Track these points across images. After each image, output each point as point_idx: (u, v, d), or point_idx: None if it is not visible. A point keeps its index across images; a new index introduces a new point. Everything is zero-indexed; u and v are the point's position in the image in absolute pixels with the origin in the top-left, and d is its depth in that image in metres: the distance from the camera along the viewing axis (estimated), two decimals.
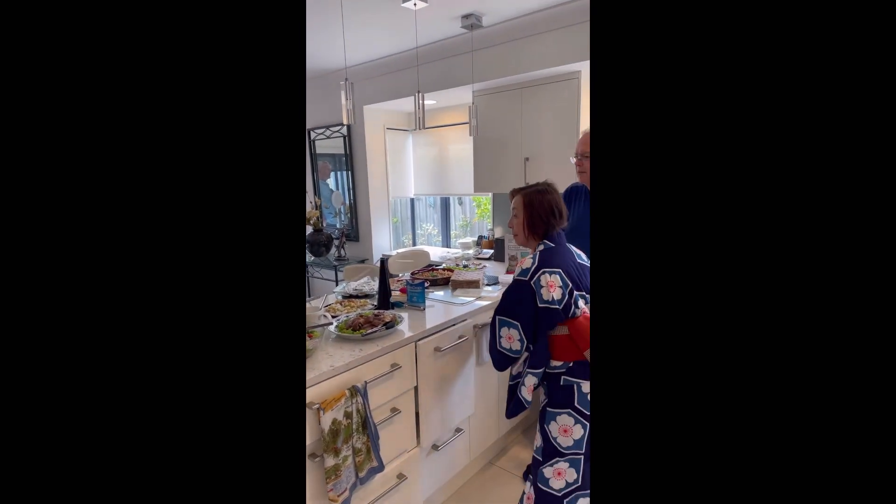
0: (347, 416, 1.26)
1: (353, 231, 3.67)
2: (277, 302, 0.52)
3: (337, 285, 3.10)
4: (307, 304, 1.78)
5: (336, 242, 3.47)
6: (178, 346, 0.49)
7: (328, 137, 3.64)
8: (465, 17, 2.26)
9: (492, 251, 2.88)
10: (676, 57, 0.45)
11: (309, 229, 3.50)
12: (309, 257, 3.55)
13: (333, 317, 1.69)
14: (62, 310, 0.46)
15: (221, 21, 0.51)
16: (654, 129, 0.47)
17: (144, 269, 0.49)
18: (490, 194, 3.08)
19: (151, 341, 0.48)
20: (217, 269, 0.51)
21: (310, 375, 1.22)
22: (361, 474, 1.32)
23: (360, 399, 1.30)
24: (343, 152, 3.56)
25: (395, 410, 1.47)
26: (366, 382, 1.33)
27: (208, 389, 0.50)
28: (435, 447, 1.67)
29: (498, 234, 2.93)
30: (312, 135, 3.76)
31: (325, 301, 1.89)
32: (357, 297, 1.98)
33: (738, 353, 0.44)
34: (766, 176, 0.44)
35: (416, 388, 1.55)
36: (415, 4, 2.02)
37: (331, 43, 2.60)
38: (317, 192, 3.87)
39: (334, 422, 1.22)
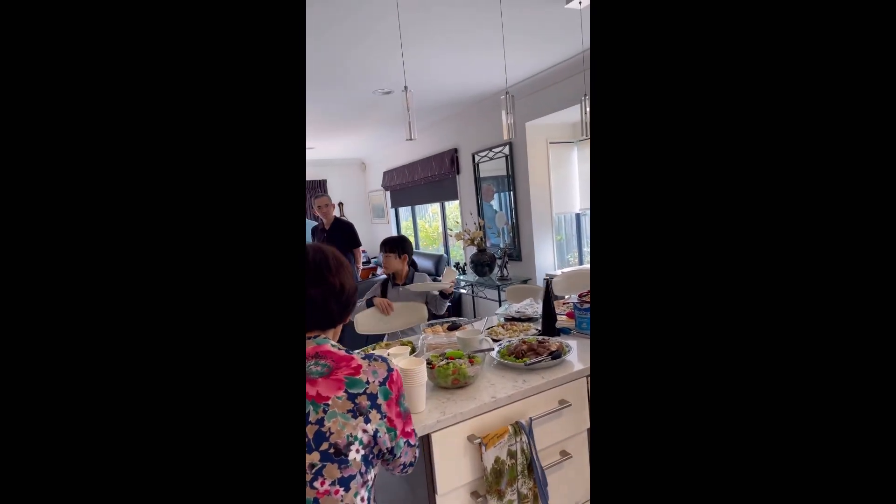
0: (511, 455, 1.14)
1: (516, 250, 3.59)
2: (275, 307, 0.51)
3: (500, 306, 3.05)
4: (470, 326, 1.74)
5: (499, 262, 3.44)
6: (174, 350, 0.48)
7: (491, 159, 3.68)
8: None
9: None
10: (674, 60, 0.47)
11: (473, 249, 3.57)
12: (473, 277, 3.61)
13: (495, 340, 1.60)
14: (61, 309, 0.45)
15: (221, 24, 0.50)
16: (652, 130, 0.48)
17: (140, 272, 0.47)
18: None
19: (146, 343, 0.47)
20: (213, 274, 0.49)
21: (471, 406, 1.14)
22: None
23: (524, 438, 1.16)
24: (505, 173, 3.55)
25: (564, 454, 1.29)
26: (531, 419, 1.19)
27: (201, 395, 0.48)
28: None
29: None
30: (476, 158, 3.86)
31: (486, 323, 1.82)
32: (520, 319, 1.86)
33: (736, 353, 0.45)
34: (766, 181, 0.45)
35: (589, 431, 1.34)
36: (580, 3, 1.86)
37: (491, 64, 2.62)
38: (480, 213, 3.94)
39: (497, 460, 1.11)
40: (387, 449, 0.78)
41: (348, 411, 0.73)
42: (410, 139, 1.38)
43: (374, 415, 0.75)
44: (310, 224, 4.15)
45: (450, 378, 1.22)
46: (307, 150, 4.99)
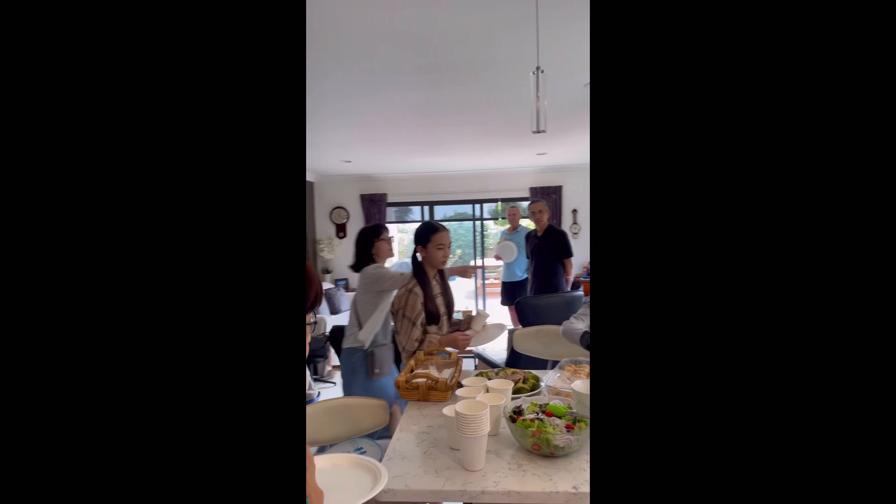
0: None
1: None
2: (275, 310, 0.49)
3: None
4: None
5: None
6: (170, 353, 0.47)
7: None
8: None
9: None
10: (675, 64, 0.47)
11: None
12: None
13: None
14: (57, 311, 0.45)
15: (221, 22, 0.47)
16: (651, 134, 0.49)
17: (136, 275, 0.47)
18: None
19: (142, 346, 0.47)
20: (210, 276, 0.48)
21: (539, 487, 0.83)
22: None
23: None
24: None
25: None
26: None
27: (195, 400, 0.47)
28: None
29: None
30: None
31: None
32: None
33: (736, 354, 0.46)
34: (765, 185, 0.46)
35: None
36: None
37: None
38: None
39: None
40: None
41: None
42: (538, 131, 1.12)
43: None
44: (523, 229, 4.11)
45: (529, 441, 0.93)
46: (538, 157, 4.97)
